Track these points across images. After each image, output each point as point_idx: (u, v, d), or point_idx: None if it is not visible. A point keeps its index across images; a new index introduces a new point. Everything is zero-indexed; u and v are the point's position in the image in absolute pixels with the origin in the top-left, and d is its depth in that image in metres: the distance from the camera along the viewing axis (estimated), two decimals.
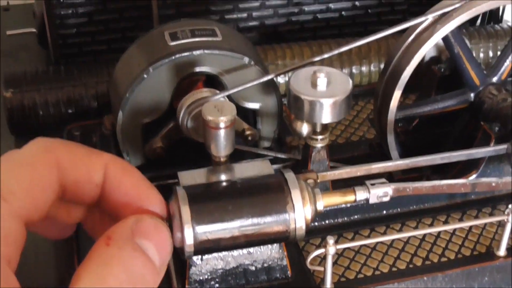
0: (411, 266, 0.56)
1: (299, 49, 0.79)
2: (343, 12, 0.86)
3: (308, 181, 0.54)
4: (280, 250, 0.53)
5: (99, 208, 0.41)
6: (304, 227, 0.50)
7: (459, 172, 0.62)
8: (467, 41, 0.64)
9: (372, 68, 0.79)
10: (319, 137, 0.57)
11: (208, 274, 0.53)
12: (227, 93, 0.59)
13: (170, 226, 0.52)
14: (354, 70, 0.78)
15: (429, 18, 0.60)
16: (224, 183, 0.51)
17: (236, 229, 0.49)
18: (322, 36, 0.84)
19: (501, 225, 0.58)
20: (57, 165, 0.37)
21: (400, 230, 0.60)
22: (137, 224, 0.37)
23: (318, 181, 0.55)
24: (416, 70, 0.61)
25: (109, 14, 0.81)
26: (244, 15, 0.84)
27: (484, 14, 0.86)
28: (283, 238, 0.51)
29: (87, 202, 0.40)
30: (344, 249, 0.57)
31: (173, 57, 0.60)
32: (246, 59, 0.61)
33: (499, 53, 0.67)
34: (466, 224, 0.59)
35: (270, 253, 0.53)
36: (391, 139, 0.62)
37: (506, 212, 0.55)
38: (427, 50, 0.59)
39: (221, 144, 0.51)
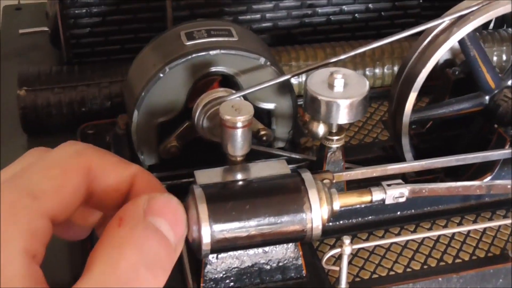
0: (425, 267, 0.56)
1: (313, 51, 0.79)
2: (356, 15, 0.86)
3: (324, 181, 0.54)
4: (296, 250, 0.53)
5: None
6: (320, 227, 0.51)
7: (473, 174, 0.62)
8: (482, 44, 0.64)
9: (385, 70, 0.79)
10: (335, 137, 0.57)
11: (223, 272, 0.53)
12: (243, 93, 0.59)
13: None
14: (367, 72, 0.78)
15: (445, 20, 0.60)
16: (241, 182, 0.51)
17: (253, 228, 0.50)
18: (335, 39, 0.84)
19: None
20: (88, 170, 0.37)
21: (414, 232, 0.60)
22: (149, 202, 0.36)
23: (334, 181, 0.56)
24: (430, 73, 0.61)
25: (123, 14, 0.81)
26: (258, 16, 0.84)
27: (497, 17, 0.86)
28: (300, 238, 0.51)
29: (109, 209, 0.40)
30: (359, 249, 0.57)
31: (190, 57, 0.60)
32: (262, 60, 0.61)
33: None
34: (480, 226, 0.59)
35: (286, 252, 0.53)
36: (405, 142, 0.63)
37: None
38: (443, 52, 0.60)
39: (238, 143, 0.52)
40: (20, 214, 0.33)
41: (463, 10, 0.59)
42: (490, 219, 0.61)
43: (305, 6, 0.85)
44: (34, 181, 0.35)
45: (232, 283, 0.53)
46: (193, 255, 0.53)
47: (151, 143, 0.63)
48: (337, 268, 0.53)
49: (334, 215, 0.52)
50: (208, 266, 0.52)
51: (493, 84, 0.63)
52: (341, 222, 0.60)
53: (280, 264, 0.53)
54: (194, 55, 0.60)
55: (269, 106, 0.64)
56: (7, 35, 0.96)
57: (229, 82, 0.62)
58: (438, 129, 0.69)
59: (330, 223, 0.59)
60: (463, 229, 0.59)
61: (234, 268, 0.53)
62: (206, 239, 0.49)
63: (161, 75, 0.60)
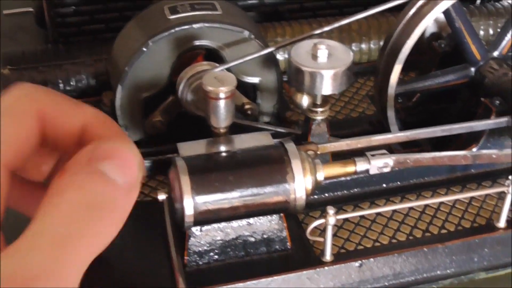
0: (411, 238, 0.56)
1: (299, 27, 0.79)
2: None
3: (308, 152, 0.54)
4: (280, 222, 0.53)
5: None
6: (304, 197, 0.50)
7: (459, 146, 0.62)
8: (467, 16, 0.64)
9: (371, 45, 0.79)
10: (319, 109, 0.56)
11: (208, 245, 0.52)
12: (227, 65, 0.58)
13: (170, 197, 0.52)
14: (353, 47, 0.78)
15: None
16: (224, 154, 0.51)
17: (236, 199, 0.49)
18: (322, 16, 0.83)
19: (501, 197, 0.57)
20: (40, 114, 0.35)
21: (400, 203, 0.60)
22: (95, 150, 0.33)
23: (318, 152, 0.55)
24: (416, 47, 0.61)
25: None
26: None
27: None
28: (283, 209, 0.51)
29: (63, 150, 0.37)
30: (344, 221, 0.57)
31: (173, 31, 0.59)
32: (246, 33, 0.61)
33: (499, 30, 0.66)
34: (466, 195, 0.59)
35: (270, 224, 0.53)
36: (391, 114, 0.62)
37: (506, 184, 0.55)
38: (428, 23, 0.59)
39: (221, 115, 0.51)
40: None
41: None
42: (476, 190, 0.61)
43: None
44: None
45: (216, 256, 0.53)
46: (177, 228, 0.53)
47: (136, 119, 0.63)
48: (321, 239, 0.53)
49: (319, 186, 0.52)
50: (192, 239, 0.52)
51: (478, 56, 0.63)
52: (326, 194, 0.59)
53: (265, 236, 0.53)
54: (177, 29, 0.60)
55: (254, 80, 0.63)
56: None
57: (213, 55, 0.62)
58: (425, 103, 0.68)
59: (316, 196, 0.59)
60: (449, 198, 0.59)
61: (218, 240, 0.53)
62: (189, 211, 0.49)
63: (145, 49, 0.60)
